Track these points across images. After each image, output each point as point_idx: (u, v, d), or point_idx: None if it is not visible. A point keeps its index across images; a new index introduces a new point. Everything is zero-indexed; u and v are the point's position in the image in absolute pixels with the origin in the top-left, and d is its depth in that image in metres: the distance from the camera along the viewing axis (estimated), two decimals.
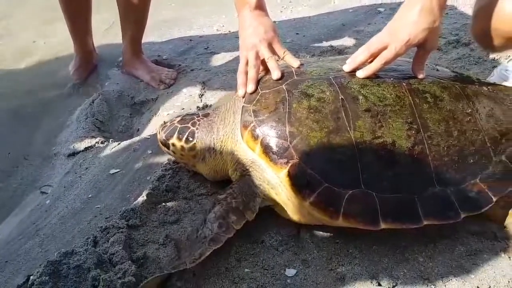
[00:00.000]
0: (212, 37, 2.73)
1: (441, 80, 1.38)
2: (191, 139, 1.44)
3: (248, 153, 1.34)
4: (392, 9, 2.95)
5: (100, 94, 2.13)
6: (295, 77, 1.37)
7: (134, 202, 1.45)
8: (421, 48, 1.33)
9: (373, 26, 2.74)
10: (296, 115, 1.28)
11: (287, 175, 1.23)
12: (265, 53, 1.43)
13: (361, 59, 1.34)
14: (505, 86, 1.49)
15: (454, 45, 2.37)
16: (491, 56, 2.25)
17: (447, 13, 2.75)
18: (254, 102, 1.35)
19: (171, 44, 2.67)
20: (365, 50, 1.33)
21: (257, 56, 1.44)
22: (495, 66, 2.11)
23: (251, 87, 1.39)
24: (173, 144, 1.46)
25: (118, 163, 1.70)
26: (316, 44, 2.55)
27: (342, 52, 2.35)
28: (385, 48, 1.30)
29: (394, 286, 1.21)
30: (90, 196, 1.59)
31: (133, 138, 1.87)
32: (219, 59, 2.45)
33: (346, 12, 2.90)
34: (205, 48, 2.58)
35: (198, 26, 2.87)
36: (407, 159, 1.24)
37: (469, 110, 1.33)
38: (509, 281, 1.19)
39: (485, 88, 1.42)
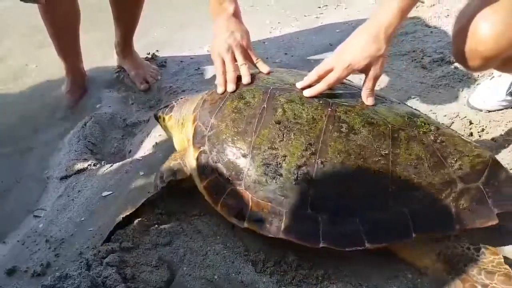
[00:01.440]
0: (203, 57, 2.76)
1: (374, 116, 1.34)
2: (169, 112, 1.70)
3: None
4: None
5: (92, 116, 2.15)
6: (249, 81, 1.52)
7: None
8: (366, 75, 1.40)
9: None
10: (224, 111, 1.44)
11: (195, 158, 1.43)
12: (239, 59, 1.56)
13: (310, 79, 1.42)
14: (465, 141, 1.38)
15: (439, 63, 2.42)
16: (476, 73, 2.31)
17: (431, 32, 2.83)
18: (209, 93, 1.56)
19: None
20: (315, 72, 1.42)
21: (233, 58, 1.56)
22: (479, 84, 2.16)
23: (231, 87, 1.51)
24: (159, 116, 1.74)
25: (110, 185, 1.72)
26: (304, 64, 2.60)
27: None
28: (331, 70, 1.39)
29: None
30: (83, 219, 1.61)
31: (125, 160, 1.89)
32: (210, 79, 2.49)
33: (333, 32, 2.96)
34: (196, 69, 2.62)
35: (189, 48, 2.91)
36: (290, 174, 1.29)
37: (385, 152, 1.28)
38: None
39: (431, 137, 1.33)
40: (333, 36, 2.88)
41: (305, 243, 1.27)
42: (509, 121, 1.93)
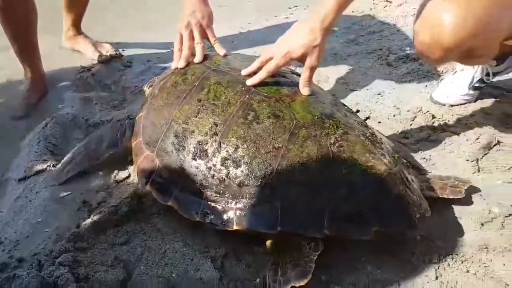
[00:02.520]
0: (169, 56, 2.72)
1: (284, 109, 1.36)
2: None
3: None
4: (347, 28, 3.04)
5: (53, 117, 2.08)
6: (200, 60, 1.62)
7: (83, 224, 1.43)
8: (303, 64, 1.45)
9: (328, 44, 2.78)
10: (166, 84, 1.57)
11: (136, 120, 1.61)
12: (196, 37, 1.65)
13: (254, 68, 1.49)
14: (367, 150, 1.32)
15: (404, 60, 2.45)
16: (439, 69, 2.34)
17: (398, 31, 2.86)
18: (167, 70, 1.68)
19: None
20: (258, 60, 1.49)
21: (191, 36, 1.64)
22: (442, 79, 2.19)
23: (182, 64, 1.61)
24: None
25: (69, 186, 1.67)
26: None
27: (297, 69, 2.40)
28: (272, 59, 1.45)
29: None
30: (39, 220, 1.56)
31: None
32: None
33: None
34: (163, 69, 2.56)
35: (156, 47, 2.87)
36: (190, 149, 1.37)
37: (279, 145, 1.30)
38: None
39: (331, 140, 1.30)
40: None
41: (184, 214, 1.36)
42: (472, 115, 1.96)
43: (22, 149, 2.03)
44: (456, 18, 1.39)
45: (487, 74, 1.96)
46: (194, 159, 1.36)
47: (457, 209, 1.51)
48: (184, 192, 1.37)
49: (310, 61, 1.44)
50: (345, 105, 1.61)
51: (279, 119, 1.34)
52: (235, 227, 1.29)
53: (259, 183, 1.29)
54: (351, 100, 2.17)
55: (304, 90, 1.46)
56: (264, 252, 1.36)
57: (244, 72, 1.49)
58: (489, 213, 1.48)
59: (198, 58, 1.61)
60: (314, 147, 1.30)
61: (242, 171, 1.30)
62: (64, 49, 2.77)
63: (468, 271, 1.31)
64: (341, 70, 2.48)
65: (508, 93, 2.11)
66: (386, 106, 2.09)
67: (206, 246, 1.40)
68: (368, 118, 2.02)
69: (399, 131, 1.90)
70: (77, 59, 2.67)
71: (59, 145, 1.99)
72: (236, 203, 1.30)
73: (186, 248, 1.39)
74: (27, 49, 2.33)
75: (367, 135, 1.39)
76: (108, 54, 2.63)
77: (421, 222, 1.30)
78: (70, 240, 1.37)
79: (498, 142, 1.78)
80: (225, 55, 1.67)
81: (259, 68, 1.47)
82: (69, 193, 1.64)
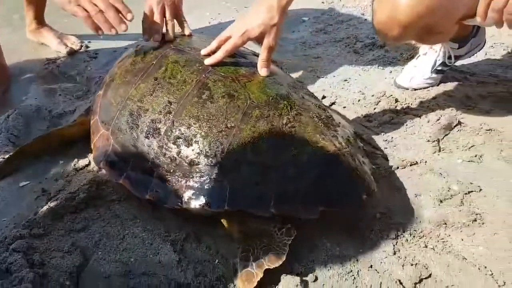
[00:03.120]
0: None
1: (239, 89, 1.36)
2: None
3: None
4: (316, 17, 3.06)
5: (16, 109, 2.04)
6: (165, 40, 1.61)
7: (40, 211, 1.40)
8: (261, 45, 1.44)
9: (297, 34, 2.83)
10: (125, 63, 1.57)
11: (94, 99, 1.64)
12: (168, 15, 1.62)
13: (212, 48, 1.48)
14: (318, 131, 1.32)
15: (370, 48, 2.48)
16: (404, 56, 2.36)
17: (365, 20, 2.88)
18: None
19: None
20: (216, 40, 1.48)
21: (162, 11, 1.61)
22: (407, 65, 2.21)
23: (157, 37, 1.59)
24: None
25: (28, 176, 1.64)
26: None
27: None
28: (229, 38, 1.44)
29: (304, 270, 1.24)
30: None
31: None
32: None
33: None
34: None
35: (124, 38, 2.83)
36: (143, 127, 1.37)
37: (232, 125, 1.29)
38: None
39: (284, 121, 1.31)
40: None
41: (136, 192, 1.35)
42: (434, 98, 1.99)
43: None
44: None
45: (449, 57, 1.99)
46: (147, 137, 1.36)
47: (417, 187, 1.52)
48: (135, 171, 1.36)
49: (268, 41, 1.43)
50: (305, 88, 1.61)
51: (233, 99, 1.34)
52: (184, 206, 1.28)
53: (209, 162, 1.28)
54: (318, 87, 2.17)
55: (262, 71, 1.45)
56: (226, 234, 1.36)
57: (203, 51, 1.48)
58: (448, 191, 1.50)
59: (169, 37, 1.61)
60: (266, 127, 1.29)
61: (193, 150, 1.30)
62: (30, 42, 2.72)
63: (426, 246, 1.32)
64: (309, 58, 2.49)
65: (471, 77, 2.14)
66: (352, 92, 2.10)
67: (167, 230, 1.38)
68: (333, 103, 2.03)
69: (363, 115, 1.92)
70: (42, 51, 2.62)
71: (21, 136, 1.94)
72: (186, 182, 1.29)
73: (146, 233, 1.37)
74: None
75: (322, 117, 1.40)
76: (73, 46, 2.59)
77: (369, 202, 1.31)
78: (26, 227, 1.35)
79: (459, 123, 1.80)
80: (190, 35, 1.67)
81: (218, 48, 1.46)
82: (28, 182, 1.61)
